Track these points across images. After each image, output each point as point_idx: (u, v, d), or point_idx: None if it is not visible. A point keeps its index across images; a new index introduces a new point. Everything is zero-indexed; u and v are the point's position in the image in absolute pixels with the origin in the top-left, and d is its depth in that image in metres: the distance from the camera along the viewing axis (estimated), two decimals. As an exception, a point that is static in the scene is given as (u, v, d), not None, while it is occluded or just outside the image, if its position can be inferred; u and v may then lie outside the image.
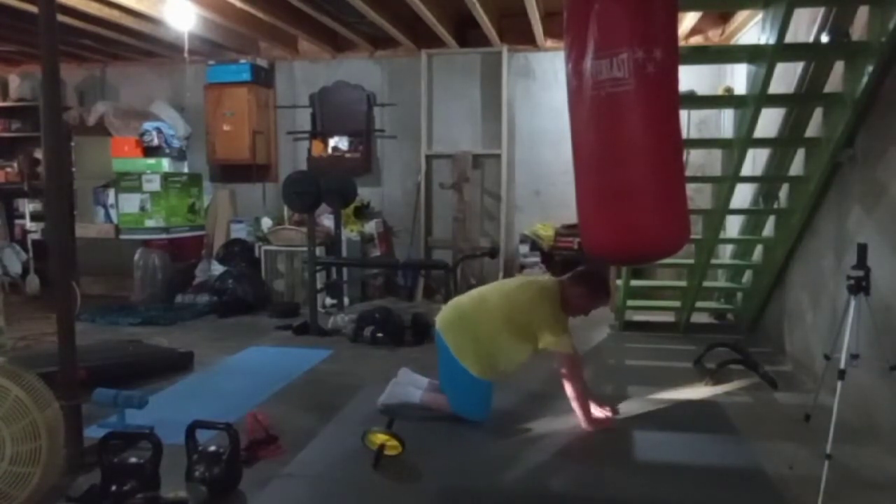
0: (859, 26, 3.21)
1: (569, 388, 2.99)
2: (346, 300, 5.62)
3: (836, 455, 2.33)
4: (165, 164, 6.06)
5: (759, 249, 4.51)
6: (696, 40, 5.75)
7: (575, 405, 3.00)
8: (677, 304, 4.88)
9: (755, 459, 2.68)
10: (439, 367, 3.14)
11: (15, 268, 6.12)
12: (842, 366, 2.42)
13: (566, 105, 3.00)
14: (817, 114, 3.69)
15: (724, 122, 5.57)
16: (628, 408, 3.29)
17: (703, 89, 5.40)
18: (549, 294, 3.05)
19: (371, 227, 6.37)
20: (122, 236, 5.78)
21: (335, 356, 4.24)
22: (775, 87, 3.45)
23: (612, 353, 4.45)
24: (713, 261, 4.52)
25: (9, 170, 6.98)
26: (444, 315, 3.16)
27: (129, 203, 5.69)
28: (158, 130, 6.11)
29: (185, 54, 5.37)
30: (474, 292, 3.28)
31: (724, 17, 5.60)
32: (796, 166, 3.94)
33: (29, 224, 6.40)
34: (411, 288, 6.27)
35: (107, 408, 2.83)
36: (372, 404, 3.21)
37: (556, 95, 5.78)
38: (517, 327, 3.01)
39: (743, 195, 4.43)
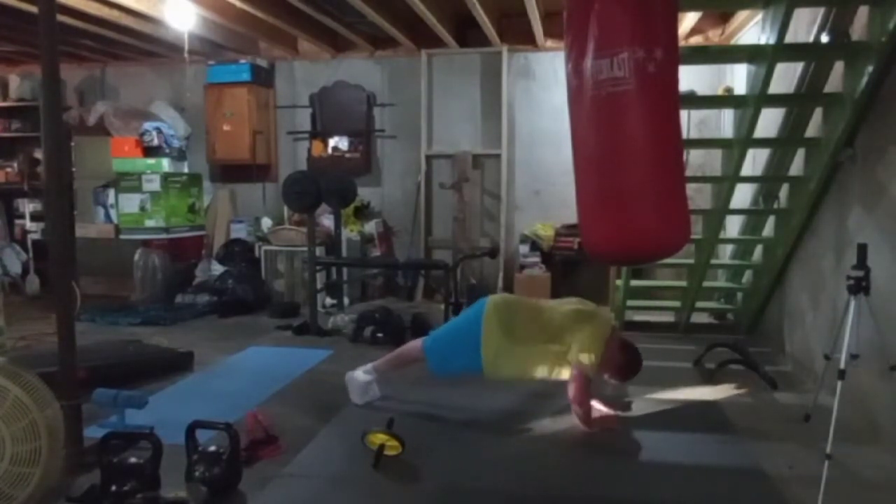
0: (859, 26, 3.21)
1: (575, 406, 2.95)
2: (346, 300, 5.63)
3: (836, 455, 2.34)
4: (165, 164, 6.06)
5: (759, 249, 4.51)
6: (696, 40, 5.74)
7: (575, 410, 2.97)
8: (677, 304, 4.88)
9: (755, 459, 2.67)
10: (453, 324, 3.32)
11: (15, 268, 6.13)
12: (842, 366, 2.42)
13: (566, 105, 3.01)
14: (817, 114, 3.69)
15: (724, 122, 5.57)
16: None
17: (703, 89, 5.39)
18: (602, 323, 3.09)
19: (371, 227, 6.37)
20: (122, 236, 5.78)
21: (335, 356, 4.23)
22: (775, 87, 3.45)
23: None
24: (713, 261, 4.52)
25: (9, 170, 6.98)
26: (496, 301, 3.18)
27: (129, 203, 5.69)
28: (158, 130, 6.11)
29: (185, 54, 5.36)
30: (532, 299, 3.38)
31: (724, 17, 5.60)
32: (796, 166, 3.94)
33: (29, 224, 6.41)
34: (411, 288, 6.27)
35: (107, 408, 2.83)
36: (372, 404, 3.24)
37: (556, 95, 5.78)
38: (552, 336, 3.03)
39: (743, 195, 4.42)
